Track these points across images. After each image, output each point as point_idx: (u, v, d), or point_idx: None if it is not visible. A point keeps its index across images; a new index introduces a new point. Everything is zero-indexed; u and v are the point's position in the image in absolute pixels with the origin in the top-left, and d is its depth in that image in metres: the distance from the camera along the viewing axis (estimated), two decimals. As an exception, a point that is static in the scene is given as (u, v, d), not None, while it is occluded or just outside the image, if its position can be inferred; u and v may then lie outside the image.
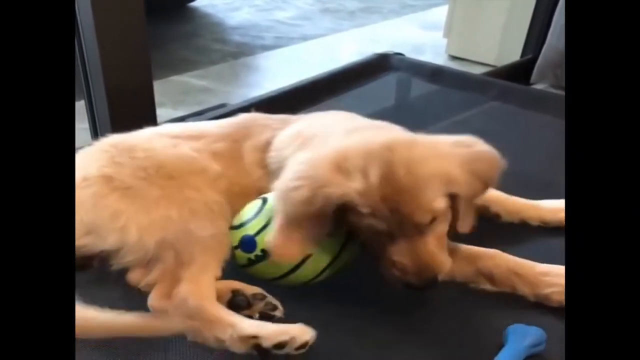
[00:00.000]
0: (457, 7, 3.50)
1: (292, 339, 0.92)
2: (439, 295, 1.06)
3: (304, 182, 0.99)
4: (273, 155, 1.18)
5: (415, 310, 1.06)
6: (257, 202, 1.08)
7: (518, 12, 3.08)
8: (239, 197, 1.12)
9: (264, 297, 1.03)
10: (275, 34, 4.16)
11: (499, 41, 3.33)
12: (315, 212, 0.97)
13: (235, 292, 1.03)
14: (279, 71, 3.55)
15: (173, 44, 3.78)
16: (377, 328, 1.01)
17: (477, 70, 3.07)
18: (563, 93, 2.18)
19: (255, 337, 0.93)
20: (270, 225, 1.02)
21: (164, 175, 1.11)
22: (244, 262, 1.05)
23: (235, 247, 1.06)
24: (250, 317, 1.00)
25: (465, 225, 1.04)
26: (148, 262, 1.03)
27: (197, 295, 0.98)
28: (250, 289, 1.05)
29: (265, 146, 1.20)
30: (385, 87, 2.04)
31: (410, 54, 2.28)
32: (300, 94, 1.87)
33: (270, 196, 1.06)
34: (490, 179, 1.06)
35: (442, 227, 1.02)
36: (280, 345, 0.92)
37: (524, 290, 1.05)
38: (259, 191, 1.12)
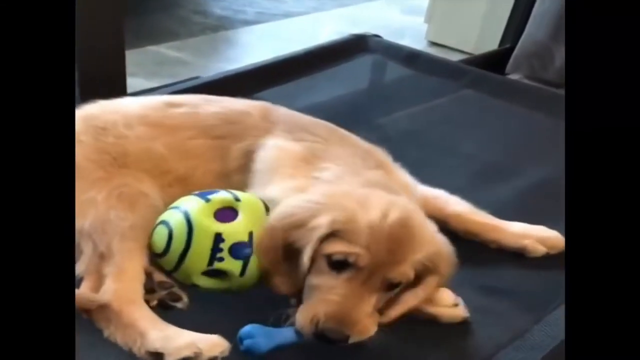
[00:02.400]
0: (439, -8, 3.49)
1: (197, 355, 0.87)
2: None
3: (307, 205, 0.96)
4: (261, 167, 1.11)
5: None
6: (164, 233, 0.99)
7: (499, 1, 3.07)
8: None
9: (172, 286, 1.01)
10: (258, 9, 4.10)
11: (479, 29, 3.32)
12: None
13: (145, 274, 1.00)
14: (258, 47, 3.51)
15: (152, 13, 3.70)
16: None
17: (455, 57, 3.07)
18: (536, 84, 2.21)
19: (159, 353, 0.89)
20: (179, 272, 0.99)
21: (119, 164, 1.08)
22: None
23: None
24: (148, 302, 0.98)
25: (394, 312, 0.98)
26: None
27: (121, 298, 0.95)
28: (160, 276, 1.02)
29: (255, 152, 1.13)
30: (360, 68, 2.03)
31: (390, 37, 2.27)
32: (274, 71, 1.86)
33: (173, 220, 0.99)
34: (444, 277, 1.00)
35: (386, 297, 0.96)
36: None
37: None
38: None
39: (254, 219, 0.99)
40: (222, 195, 1.01)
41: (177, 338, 0.90)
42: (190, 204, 1.00)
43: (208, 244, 0.96)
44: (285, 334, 0.93)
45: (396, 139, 1.60)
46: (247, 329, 0.92)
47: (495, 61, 2.57)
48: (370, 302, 0.92)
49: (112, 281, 0.96)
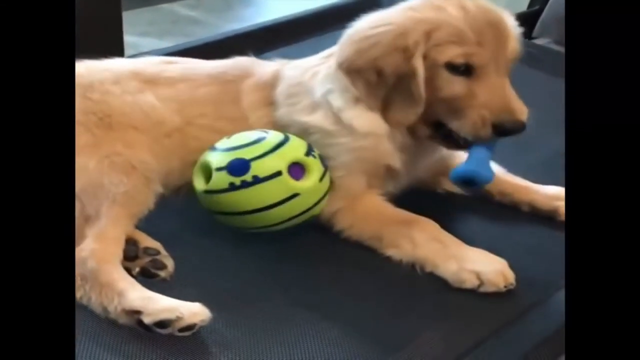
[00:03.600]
0: (468, -51, 3.31)
1: (178, 318, 0.84)
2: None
3: (388, 27, 0.98)
4: (292, 77, 1.12)
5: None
6: (257, 132, 1.04)
7: (532, -41, 2.90)
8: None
9: (157, 253, 0.98)
10: (277, -34, 3.98)
11: (509, -11, 3.16)
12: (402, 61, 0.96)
13: (129, 241, 0.97)
14: (274, 6, 3.39)
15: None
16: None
17: (483, 19, 2.92)
18: (563, 50, 2.05)
19: (137, 312, 0.85)
20: (269, 156, 0.99)
21: (105, 125, 1.05)
22: (223, 186, 0.98)
23: (218, 169, 0.99)
24: (129, 270, 0.95)
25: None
26: None
27: (98, 257, 0.92)
28: (147, 242, 0.99)
29: (273, 81, 1.13)
30: (371, 30, 1.91)
31: (415, -4, 2.13)
32: (278, 32, 1.78)
33: (273, 132, 1.04)
34: None
35: None
36: (162, 324, 0.84)
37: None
38: None
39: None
40: None
41: (159, 300, 0.88)
42: None
43: (304, 143, 1.05)
44: (484, 154, 0.99)
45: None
46: (464, 173, 0.99)
47: (522, 24, 2.42)
48: (510, 86, 0.99)
49: (91, 241, 0.94)
